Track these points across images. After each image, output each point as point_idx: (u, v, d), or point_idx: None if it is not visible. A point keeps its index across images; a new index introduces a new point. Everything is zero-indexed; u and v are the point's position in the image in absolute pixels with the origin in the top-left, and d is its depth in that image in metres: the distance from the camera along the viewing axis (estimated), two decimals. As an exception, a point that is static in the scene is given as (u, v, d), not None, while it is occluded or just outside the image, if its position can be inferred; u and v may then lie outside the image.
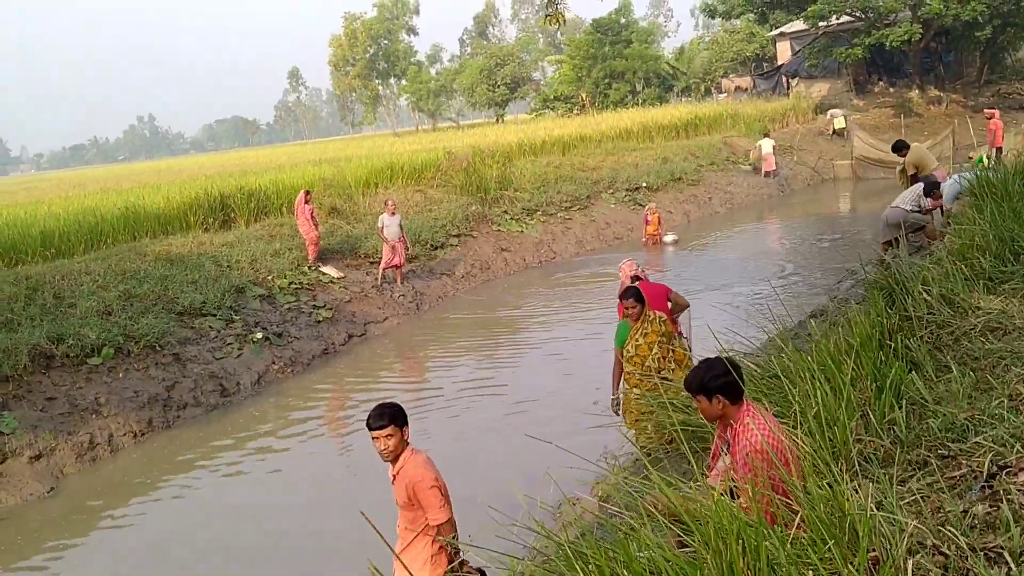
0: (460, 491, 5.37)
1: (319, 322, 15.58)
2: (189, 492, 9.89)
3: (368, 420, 4.78)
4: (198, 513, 9.35)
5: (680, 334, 8.41)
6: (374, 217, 18.55)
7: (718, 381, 4.14)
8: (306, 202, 17.39)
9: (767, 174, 30.35)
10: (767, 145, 30.28)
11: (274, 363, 14.04)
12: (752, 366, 6.18)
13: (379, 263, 17.73)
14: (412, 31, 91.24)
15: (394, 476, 4.89)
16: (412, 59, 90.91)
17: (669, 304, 8.33)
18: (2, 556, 8.58)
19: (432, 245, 19.77)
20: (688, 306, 8.68)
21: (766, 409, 4.42)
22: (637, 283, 8.23)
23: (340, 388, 13.43)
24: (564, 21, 14.14)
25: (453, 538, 4.79)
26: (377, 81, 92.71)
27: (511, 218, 22.44)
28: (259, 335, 14.40)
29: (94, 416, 11.47)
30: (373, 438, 4.79)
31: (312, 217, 17.44)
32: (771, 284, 14.57)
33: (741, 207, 28.49)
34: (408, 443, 4.90)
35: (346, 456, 10.36)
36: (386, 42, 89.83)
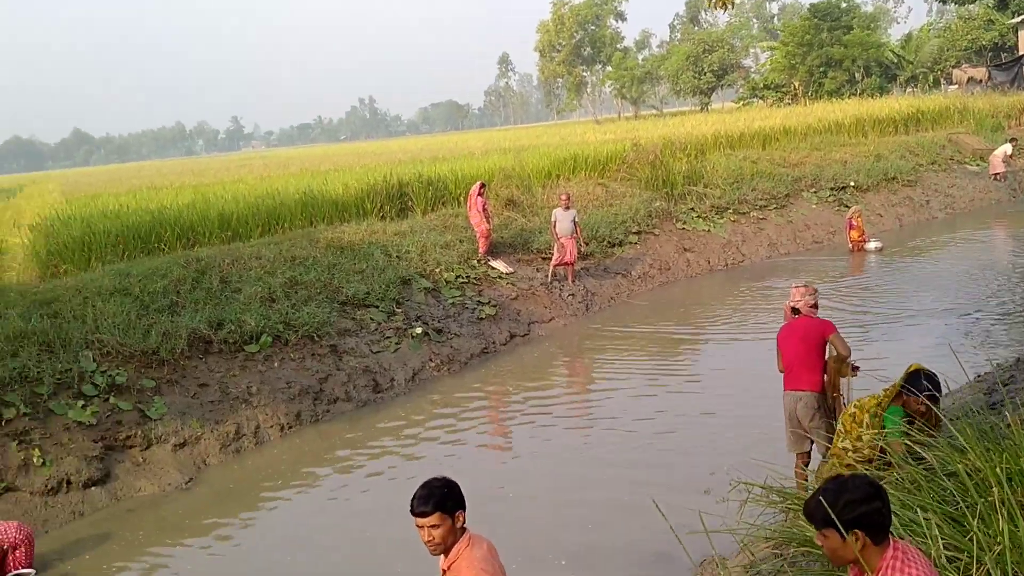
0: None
1: (481, 319, 15.00)
2: (328, 491, 9.49)
3: (412, 501, 3.90)
4: (335, 513, 8.92)
5: (837, 396, 7.04)
6: (551, 210, 17.77)
7: (858, 510, 3.02)
8: (480, 194, 16.86)
9: (995, 177, 27.15)
10: (1005, 148, 27.15)
11: (431, 360, 13.56)
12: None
13: (551, 260, 16.95)
14: (620, 16, 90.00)
15: (444, 571, 3.99)
16: (618, 45, 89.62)
17: (822, 349, 6.99)
18: (129, 546, 8.48)
19: (609, 242, 18.76)
20: (848, 356, 7.19)
21: (919, 552, 3.19)
22: (796, 316, 6.95)
23: (499, 392, 12.74)
24: (733, 4, 12.89)
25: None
26: (582, 67, 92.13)
27: (698, 216, 21.03)
28: (419, 330, 13.97)
29: (244, 406, 11.37)
30: (416, 525, 3.92)
31: (484, 210, 16.88)
32: (983, 311, 12.55)
33: (964, 212, 25.56)
34: (465, 530, 3.97)
35: (496, 467, 9.61)
36: (593, 28, 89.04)
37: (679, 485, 8.44)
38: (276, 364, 12.29)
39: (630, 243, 19.12)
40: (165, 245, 15.99)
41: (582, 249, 17.22)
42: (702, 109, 68.75)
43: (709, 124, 32.03)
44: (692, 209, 21.20)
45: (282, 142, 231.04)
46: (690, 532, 5.43)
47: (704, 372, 12.54)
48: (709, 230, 20.77)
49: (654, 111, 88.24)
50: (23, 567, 7.85)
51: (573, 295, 16.79)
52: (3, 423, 9.66)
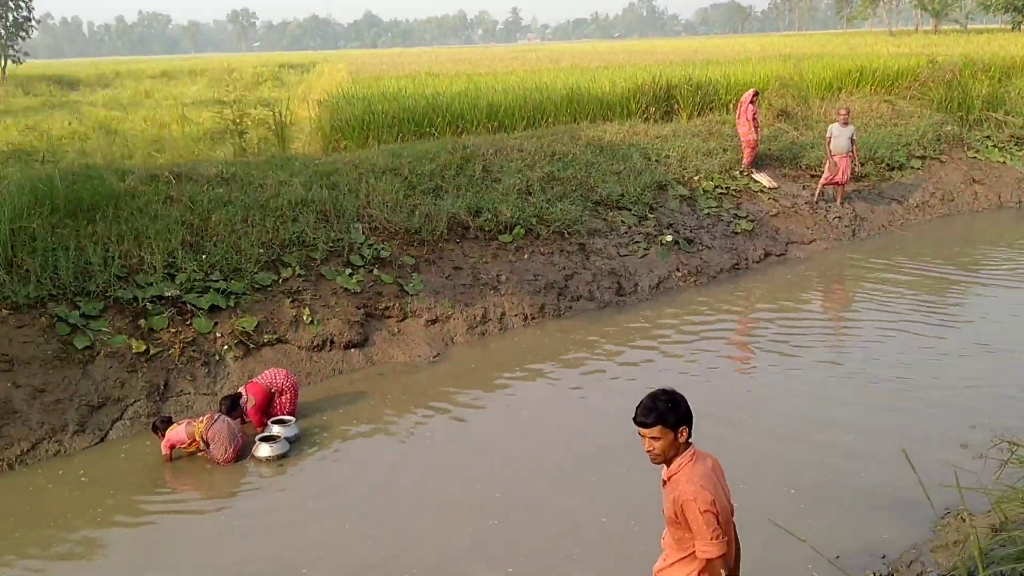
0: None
1: (736, 233, 14.52)
2: (565, 387, 9.70)
3: (636, 410, 3.88)
4: (570, 408, 9.14)
5: None
6: (827, 125, 16.68)
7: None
8: (751, 102, 16.11)
9: None
10: None
11: (678, 269, 13.36)
12: None
13: (820, 177, 16.00)
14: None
15: (664, 481, 3.96)
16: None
17: None
18: (378, 405, 9.15)
19: (888, 165, 17.41)
20: None
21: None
22: None
23: (744, 310, 12.37)
24: None
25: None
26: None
27: (994, 145, 18.98)
28: (669, 238, 13.78)
29: (492, 292, 11.80)
30: (638, 434, 3.90)
31: (754, 119, 16.14)
32: None
33: None
34: (690, 444, 3.91)
35: (732, 391, 9.41)
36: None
37: (932, 436, 7.90)
38: (526, 256, 12.60)
39: (911, 168, 17.65)
40: (436, 130, 16.67)
41: (856, 169, 16.11)
42: (1013, 28, 61.10)
43: (1019, 45, 28.45)
44: (988, 137, 19.16)
45: (557, 36, 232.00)
46: (941, 485, 5.03)
47: (977, 320, 11.43)
48: (1005, 162, 18.72)
49: (956, 26, 79.60)
50: (287, 412, 8.74)
51: (840, 218, 15.82)
52: (280, 281, 10.65)
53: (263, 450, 8.00)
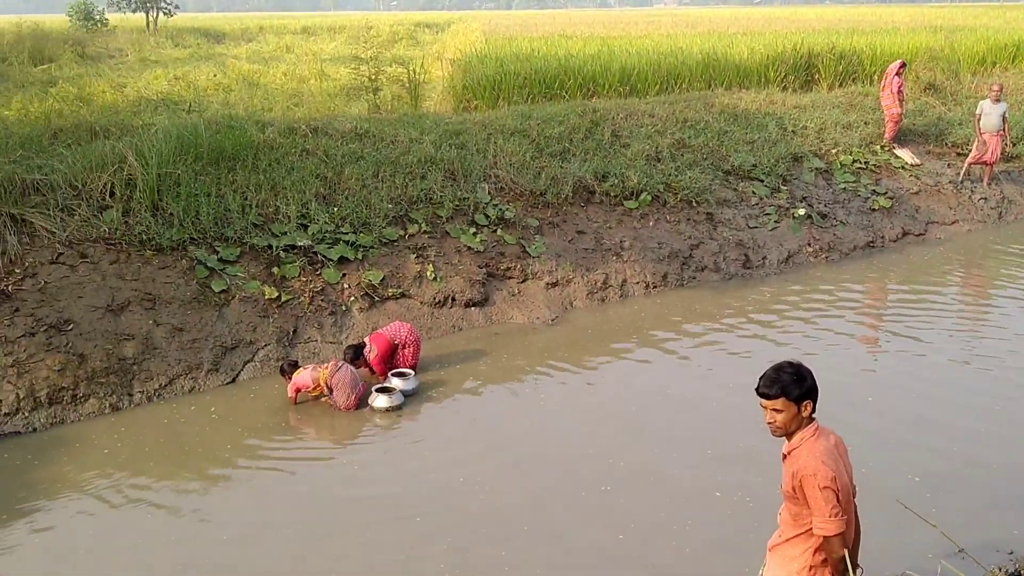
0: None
1: (873, 210, 13.93)
2: (679, 357, 9.56)
3: (759, 380, 3.77)
4: (686, 376, 9.01)
5: None
6: (977, 101, 15.73)
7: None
8: (897, 74, 15.35)
9: None
10: None
11: (809, 244, 12.93)
12: None
13: (967, 156, 15.14)
14: None
15: (784, 455, 3.85)
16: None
17: None
18: (494, 364, 9.25)
19: (1043, 145, 16.29)
20: None
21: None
22: None
23: (876, 290, 11.90)
24: None
25: (844, 558, 3.65)
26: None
27: None
28: (802, 211, 13.33)
29: (615, 258, 11.70)
30: (760, 405, 3.79)
31: (900, 92, 15.37)
32: None
33: None
34: (813, 420, 3.79)
35: (859, 373, 9.08)
36: None
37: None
38: (651, 223, 12.42)
39: (1069, 150, 16.47)
40: (566, 92, 16.55)
41: (1007, 149, 15.18)
42: None
43: None
44: None
45: (695, 1, 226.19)
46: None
47: None
48: None
49: None
50: (408, 366, 8.93)
51: (986, 199, 14.97)
52: (407, 236, 10.85)
53: (380, 400, 8.22)
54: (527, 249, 11.30)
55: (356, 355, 8.82)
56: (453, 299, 10.42)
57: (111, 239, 9.50)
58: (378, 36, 38.20)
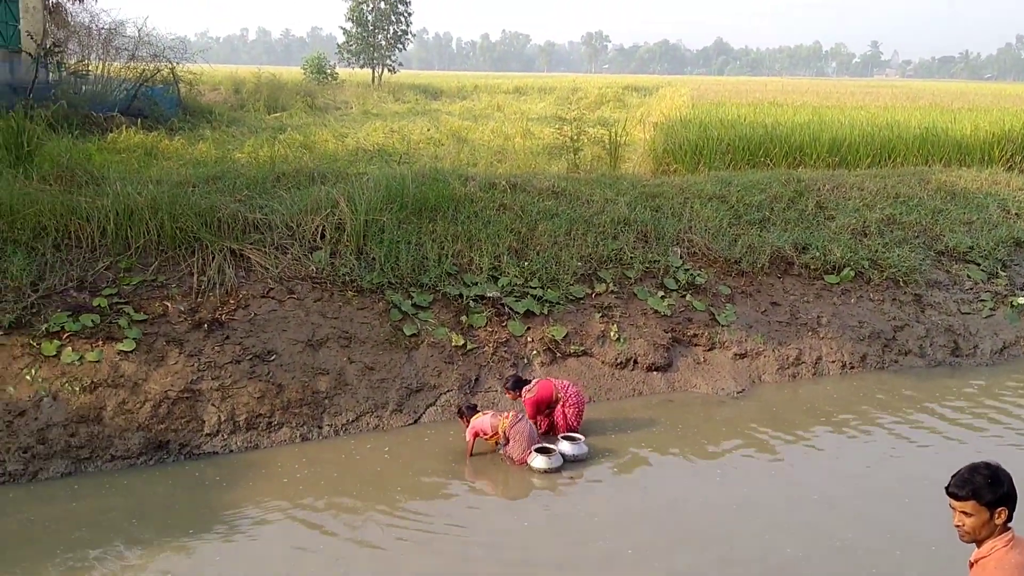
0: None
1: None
2: (880, 446, 8.98)
3: (950, 479, 3.44)
4: (877, 464, 8.44)
5: None
6: None
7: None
8: None
9: None
10: None
11: (1030, 336, 11.89)
12: None
13: None
14: None
15: (971, 563, 3.49)
16: None
17: None
18: (671, 433, 9.01)
19: None
20: None
21: None
22: None
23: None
24: None
25: None
26: None
27: None
28: (1022, 300, 12.29)
29: (810, 334, 11.22)
30: (949, 505, 3.45)
31: None
32: None
33: None
34: (1009, 529, 3.41)
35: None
36: None
37: None
38: (852, 300, 11.84)
39: None
40: (770, 160, 16.19)
41: None
42: None
43: None
44: None
45: (919, 73, 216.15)
46: None
47: None
48: None
49: None
50: (566, 426, 8.78)
51: None
52: (593, 295, 10.86)
53: (537, 461, 8.10)
54: (716, 317, 11.03)
55: (517, 386, 8.89)
56: (635, 362, 10.30)
57: (317, 278, 10.08)
58: (585, 98, 38.98)
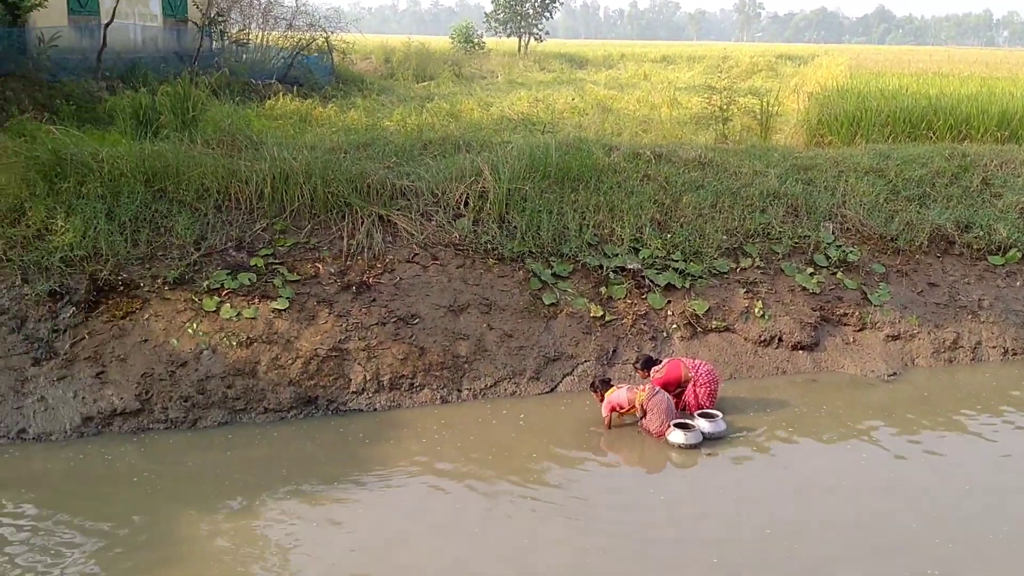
0: None
1: None
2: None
3: None
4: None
5: None
6: None
7: None
8: None
9: None
10: None
11: None
12: None
13: None
14: None
15: None
16: None
17: None
18: (813, 414, 8.74)
19: None
20: None
21: None
22: None
23: None
24: None
25: None
26: None
27: None
28: None
29: (969, 317, 10.63)
30: None
31: None
32: None
33: None
34: None
35: None
36: None
37: None
38: (1018, 283, 11.14)
39: None
40: (933, 133, 15.32)
41: None
42: None
43: None
44: None
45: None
46: None
47: None
48: None
49: None
50: (703, 403, 8.61)
51: None
52: (738, 270, 10.59)
53: (676, 435, 7.99)
54: (868, 296, 10.57)
55: (647, 366, 8.81)
56: (780, 339, 10.01)
57: (460, 245, 10.24)
58: (735, 67, 37.86)
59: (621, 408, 8.29)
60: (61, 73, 18.72)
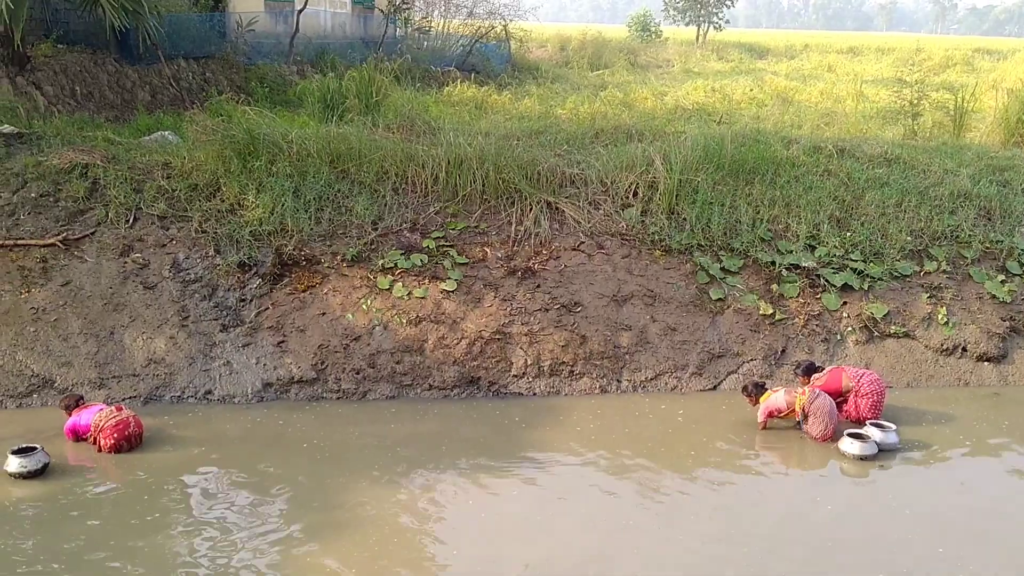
0: None
1: None
2: None
3: None
4: None
5: None
6: None
7: None
8: None
9: None
10: None
11: None
12: None
13: None
14: None
15: None
16: None
17: None
18: (995, 430, 8.19)
19: None
20: None
21: None
22: None
23: None
24: None
25: None
26: None
27: None
28: None
29: None
30: None
31: None
32: None
33: None
34: None
35: None
36: None
37: None
38: None
39: None
40: None
41: None
42: None
43: None
44: None
45: None
46: None
47: None
48: None
49: None
50: (866, 414, 8.10)
51: None
52: (921, 273, 10.02)
53: (850, 446, 7.62)
54: (1070, 308, 9.79)
55: (808, 371, 8.45)
56: (964, 349, 9.42)
57: (627, 235, 10.18)
58: (928, 60, 35.72)
59: (779, 412, 8.03)
60: (256, 56, 19.90)
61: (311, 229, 9.75)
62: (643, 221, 10.30)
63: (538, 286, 9.50)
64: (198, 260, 9.42)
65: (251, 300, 9.15)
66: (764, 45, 46.65)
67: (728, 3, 54.22)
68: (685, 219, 10.34)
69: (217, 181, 10.16)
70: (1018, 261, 10.22)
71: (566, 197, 10.47)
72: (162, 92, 17.05)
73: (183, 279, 9.24)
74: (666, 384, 9.00)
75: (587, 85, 24.11)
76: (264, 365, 8.71)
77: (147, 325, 8.85)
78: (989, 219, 10.74)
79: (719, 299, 9.63)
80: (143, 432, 7.56)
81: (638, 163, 10.85)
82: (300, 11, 21.10)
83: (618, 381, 8.99)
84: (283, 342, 8.86)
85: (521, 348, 9.02)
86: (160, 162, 10.46)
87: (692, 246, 10.09)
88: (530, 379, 8.90)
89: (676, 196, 10.50)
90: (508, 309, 9.25)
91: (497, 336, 9.05)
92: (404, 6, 26.04)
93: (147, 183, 10.07)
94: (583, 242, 10.06)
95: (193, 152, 10.55)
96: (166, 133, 12.36)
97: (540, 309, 9.29)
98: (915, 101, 16.14)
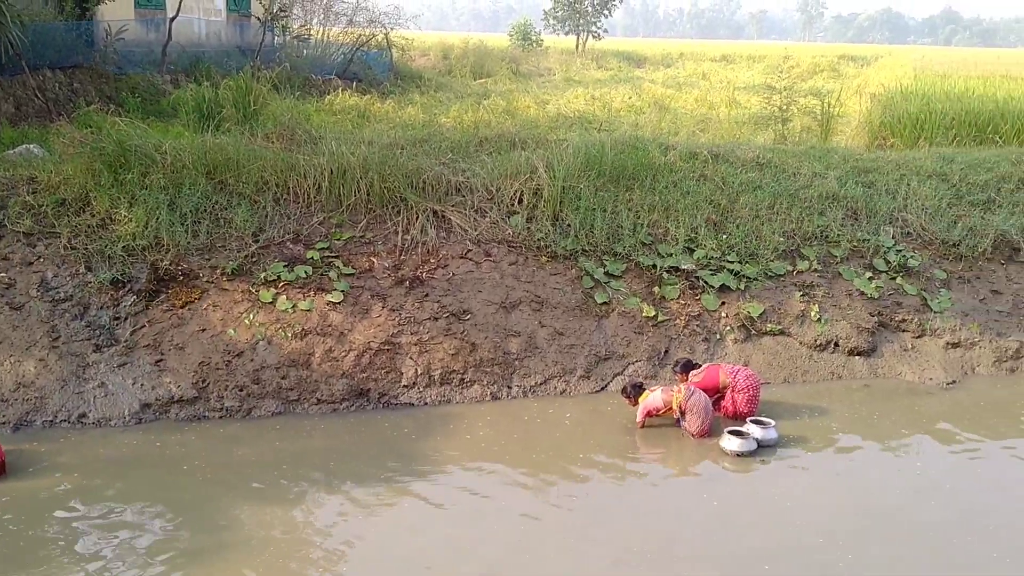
0: None
1: None
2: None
3: None
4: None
5: None
6: None
7: None
8: None
9: None
10: None
11: None
12: None
13: None
14: None
15: None
16: None
17: None
18: (867, 422, 8.59)
19: None
20: None
21: None
22: None
23: None
24: None
25: None
26: None
27: None
28: None
29: (1037, 325, 10.35)
30: None
31: None
32: None
33: None
34: None
35: None
36: None
37: None
38: (1087, 293, 10.80)
39: None
40: (1000, 137, 14.93)
41: None
42: None
43: None
44: None
45: None
46: None
47: None
48: None
49: None
50: (743, 409, 8.41)
51: None
52: (795, 272, 10.44)
53: (732, 443, 7.83)
54: (928, 302, 10.35)
55: (686, 369, 8.69)
56: (836, 344, 9.85)
57: (513, 242, 10.25)
58: (797, 67, 37.34)
59: (658, 411, 8.22)
60: (127, 66, 19.17)
61: (188, 243, 9.45)
62: (529, 228, 10.39)
63: (426, 295, 9.46)
64: (68, 278, 9.00)
65: (126, 318, 8.80)
66: (641, 54, 47.87)
67: (606, 13, 55.40)
68: (569, 225, 10.48)
69: (87, 195, 9.74)
70: (884, 259, 10.76)
71: (452, 205, 10.47)
72: (27, 104, 16.23)
73: (52, 298, 8.81)
74: (555, 388, 9.09)
75: (470, 93, 24.21)
76: (141, 385, 8.38)
77: (14, 348, 8.40)
78: (856, 219, 11.28)
79: (604, 303, 9.80)
80: (4, 460, 7.15)
81: (522, 170, 10.94)
82: (172, 19, 20.46)
83: (508, 387, 9.03)
84: (161, 360, 8.55)
85: (411, 358, 8.96)
86: (25, 176, 9.96)
87: (577, 251, 10.24)
88: (420, 389, 8.85)
89: (560, 203, 10.63)
90: (397, 319, 9.17)
91: (386, 347, 8.96)
92: (282, 13, 25.58)
93: (11, 199, 9.57)
94: (470, 250, 10.07)
95: (60, 166, 10.09)
96: (31, 146, 11.79)
97: (429, 318, 9.25)
98: (784, 107, 16.84)
